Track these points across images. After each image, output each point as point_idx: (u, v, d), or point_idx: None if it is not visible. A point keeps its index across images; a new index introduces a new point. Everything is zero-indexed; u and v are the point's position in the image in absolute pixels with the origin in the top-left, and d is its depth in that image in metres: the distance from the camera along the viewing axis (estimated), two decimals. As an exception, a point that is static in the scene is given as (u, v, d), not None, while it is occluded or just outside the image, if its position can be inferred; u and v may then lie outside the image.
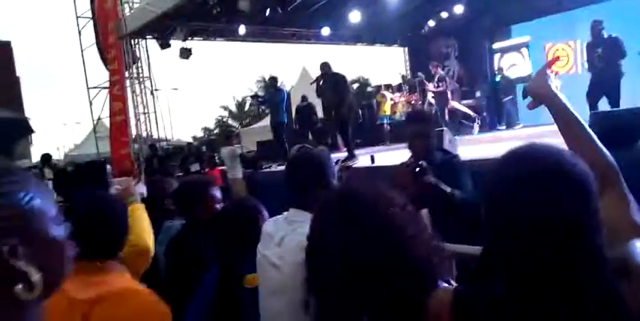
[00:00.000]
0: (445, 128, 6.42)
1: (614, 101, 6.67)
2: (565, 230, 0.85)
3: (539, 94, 1.25)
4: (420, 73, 11.44)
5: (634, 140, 4.92)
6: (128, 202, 1.88)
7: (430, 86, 10.75)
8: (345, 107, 7.12)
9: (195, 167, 9.16)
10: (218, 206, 2.32)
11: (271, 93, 9.90)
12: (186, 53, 10.62)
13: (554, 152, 0.91)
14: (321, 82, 7.52)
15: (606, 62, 6.83)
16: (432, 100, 10.79)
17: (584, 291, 0.85)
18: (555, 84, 1.25)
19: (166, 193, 2.80)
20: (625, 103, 6.55)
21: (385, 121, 11.54)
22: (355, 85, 11.55)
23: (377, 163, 6.77)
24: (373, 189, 1.07)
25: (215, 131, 26.28)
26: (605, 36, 6.96)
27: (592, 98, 6.87)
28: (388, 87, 12.88)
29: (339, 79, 7.24)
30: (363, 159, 7.28)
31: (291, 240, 1.48)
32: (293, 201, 1.62)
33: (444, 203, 2.43)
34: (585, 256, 0.86)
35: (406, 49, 15.16)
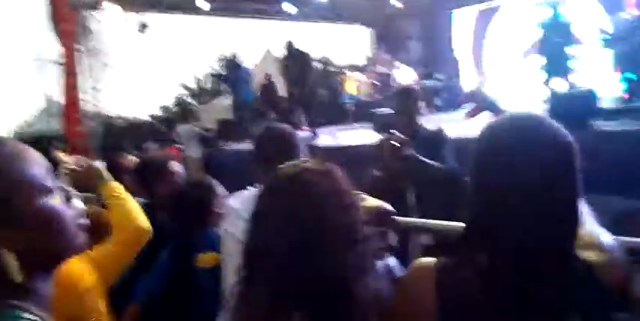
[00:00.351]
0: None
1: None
2: (555, 197, 0.86)
3: None
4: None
5: (586, 120, 5.10)
6: (101, 185, 1.64)
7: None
8: (309, 85, 7.05)
9: (153, 146, 8.94)
10: (179, 184, 2.24)
11: (233, 71, 9.69)
12: (143, 27, 10.22)
13: (537, 121, 0.92)
14: (285, 61, 7.41)
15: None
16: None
17: (569, 263, 0.86)
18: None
19: (124, 170, 2.70)
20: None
21: (349, 100, 11.50)
22: (318, 65, 11.44)
23: (341, 143, 6.77)
24: (327, 170, 1.03)
25: (174, 110, 25.64)
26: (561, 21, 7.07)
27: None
28: (353, 67, 12.81)
29: (303, 57, 7.14)
30: (326, 138, 7.25)
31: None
32: (260, 177, 1.58)
33: (426, 176, 2.55)
34: (571, 225, 0.87)
35: (371, 29, 15.07)
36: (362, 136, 7.00)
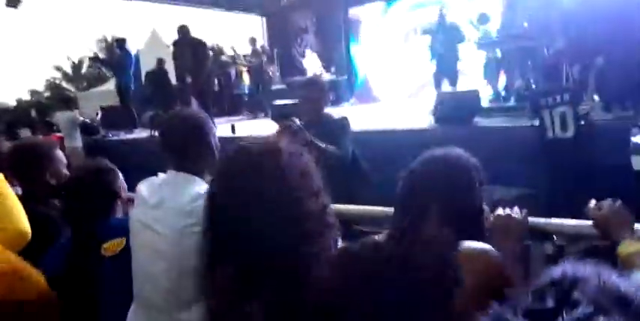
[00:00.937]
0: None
1: (454, 82, 7.43)
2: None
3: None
4: None
5: (471, 117, 5.58)
6: None
7: None
8: (204, 74, 6.84)
9: (25, 133, 8.13)
10: (65, 171, 2.11)
11: (119, 55, 9.08)
12: (14, 1, 9.13)
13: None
14: (178, 47, 7.08)
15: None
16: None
17: None
18: None
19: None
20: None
21: (244, 91, 11.38)
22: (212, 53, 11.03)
23: (238, 133, 6.67)
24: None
25: (45, 94, 23.25)
26: (448, 22, 7.59)
27: (437, 79, 7.62)
28: (245, 56, 12.63)
29: (199, 44, 6.89)
30: (223, 128, 7.10)
31: (172, 204, 1.44)
32: (171, 163, 1.56)
33: (322, 160, 2.62)
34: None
35: (264, 19, 14.94)
36: (259, 126, 6.98)
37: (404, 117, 7.00)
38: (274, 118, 6.27)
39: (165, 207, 1.45)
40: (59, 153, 2.14)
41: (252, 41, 10.58)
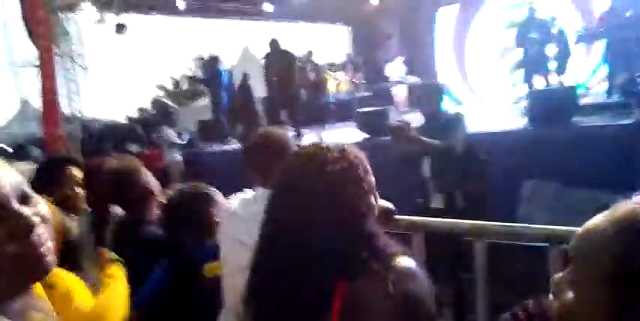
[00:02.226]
0: (392, 106, 6.53)
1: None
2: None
3: None
4: None
5: (568, 117, 5.21)
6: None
7: None
8: (293, 85, 7.05)
9: (134, 148, 8.82)
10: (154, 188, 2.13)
11: (210, 72, 9.61)
12: (121, 29, 10.06)
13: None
14: (268, 60, 7.38)
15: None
16: None
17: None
18: None
19: (103, 176, 2.57)
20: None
21: (330, 99, 11.52)
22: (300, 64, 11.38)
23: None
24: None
25: (151, 111, 25.20)
26: (538, 19, 7.22)
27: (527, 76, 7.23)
28: (332, 65, 12.84)
29: (288, 56, 7.13)
30: (311, 138, 7.26)
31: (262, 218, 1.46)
32: (257, 181, 1.61)
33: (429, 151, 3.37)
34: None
35: (350, 27, 15.11)
36: (345, 134, 7.03)
37: (495, 118, 6.72)
38: (360, 128, 6.32)
39: (257, 221, 1.51)
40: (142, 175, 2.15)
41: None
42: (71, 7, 9.94)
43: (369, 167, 1.08)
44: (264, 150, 1.64)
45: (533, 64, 7.05)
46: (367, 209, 1.03)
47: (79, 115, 10.38)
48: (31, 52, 10.24)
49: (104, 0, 9.52)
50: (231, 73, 11.21)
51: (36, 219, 0.66)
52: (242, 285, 1.47)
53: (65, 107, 9.92)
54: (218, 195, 1.95)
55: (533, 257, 1.97)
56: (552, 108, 5.03)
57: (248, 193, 1.65)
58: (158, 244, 1.91)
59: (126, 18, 10.17)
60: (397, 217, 1.91)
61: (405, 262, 0.98)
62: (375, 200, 1.08)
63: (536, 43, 6.90)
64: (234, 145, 8.73)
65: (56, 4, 9.67)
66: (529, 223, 1.88)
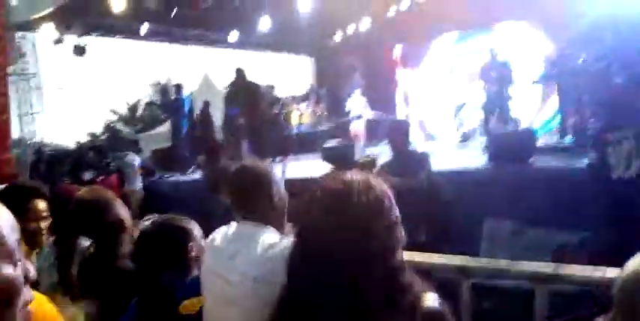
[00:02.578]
0: (359, 142, 6.59)
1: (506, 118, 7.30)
2: None
3: None
4: None
5: (527, 157, 5.43)
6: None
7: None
8: (258, 116, 7.04)
9: (88, 175, 8.50)
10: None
11: (173, 99, 9.51)
12: (80, 51, 9.80)
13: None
14: (232, 89, 7.36)
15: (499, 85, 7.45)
16: None
17: None
18: None
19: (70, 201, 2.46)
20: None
21: (293, 132, 11.55)
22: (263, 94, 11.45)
23: (288, 176, 6.73)
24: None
25: (102, 137, 24.36)
26: (500, 60, 7.58)
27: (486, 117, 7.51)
28: (294, 97, 12.95)
29: (253, 87, 7.14)
30: (276, 170, 7.20)
31: (246, 255, 1.47)
32: (239, 214, 1.61)
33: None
34: None
35: (313, 59, 15.35)
36: (311, 167, 7.01)
37: (453, 156, 6.89)
38: (325, 159, 6.35)
39: (240, 257, 1.48)
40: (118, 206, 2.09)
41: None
42: (30, 26, 9.66)
43: (393, 198, 1.05)
44: (246, 184, 1.63)
45: (491, 105, 7.34)
46: (396, 242, 1.01)
47: (29, 138, 9.96)
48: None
49: (65, 21, 9.28)
50: (192, 101, 11.12)
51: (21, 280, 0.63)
52: (225, 317, 1.46)
53: (16, 129, 9.50)
54: (195, 227, 1.86)
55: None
56: (511, 148, 5.23)
57: (231, 227, 1.62)
58: (131, 279, 1.82)
59: (86, 40, 9.94)
60: None
61: (432, 301, 0.97)
62: (401, 233, 1.06)
63: (496, 84, 7.22)
64: (194, 174, 8.57)
65: (14, 22, 9.38)
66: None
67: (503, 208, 4.82)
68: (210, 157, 5.80)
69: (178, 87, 9.39)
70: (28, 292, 0.64)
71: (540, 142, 6.21)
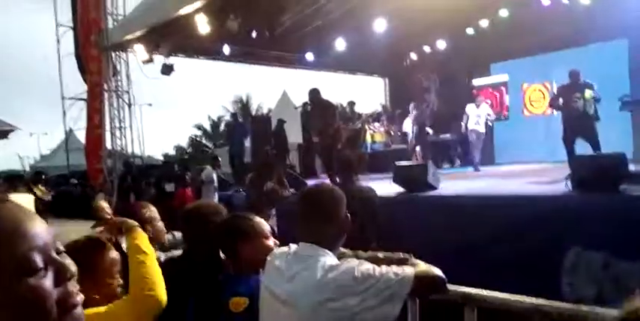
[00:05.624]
0: (430, 162, 6.46)
1: (595, 144, 6.83)
2: None
3: None
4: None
5: (616, 185, 5.03)
6: (128, 231, 1.69)
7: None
8: (331, 134, 7.09)
9: (170, 187, 8.93)
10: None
11: (232, 126, 9.82)
12: (167, 69, 10.45)
13: None
14: (308, 108, 7.49)
15: (584, 106, 7.02)
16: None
17: None
18: None
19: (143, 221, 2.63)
20: (605, 149, 6.73)
21: (365, 150, 11.56)
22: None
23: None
24: None
25: (188, 150, 25.75)
26: (581, 82, 7.15)
27: (569, 141, 7.04)
28: (367, 116, 12.97)
29: (328, 105, 7.23)
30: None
31: (306, 278, 1.46)
32: (302, 234, 1.60)
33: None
34: None
35: (386, 79, 15.37)
36: (380, 188, 6.92)
37: (535, 182, 6.54)
38: (397, 181, 6.23)
39: (299, 281, 1.48)
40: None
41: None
42: (122, 47, 10.43)
43: None
44: (312, 203, 1.64)
45: (578, 128, 6.90)
46: None
47: (120, 151, 10.66)
48: (81, 87, 10.73)
49: (154, 42, 9.94)
50: (270, 118, 11.46)
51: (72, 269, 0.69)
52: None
53: (108, 142, 10.22)
54: (259, 226, 1.93)
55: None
56: (600, 175, 4.86)
57: (291, 248, 1.64)
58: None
59: (173, 60, 10.58)
60: (449, 286, 1.82)
61: None
62: None
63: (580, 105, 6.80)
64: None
65: (108, 43, 10.17)
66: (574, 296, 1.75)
67: (589, 239, 4.49)
68: (259, 176, 5.86)
69: (236, 115, 9.77)
70: (64, 289, 0.68)
71: (633, 169, 5.76)
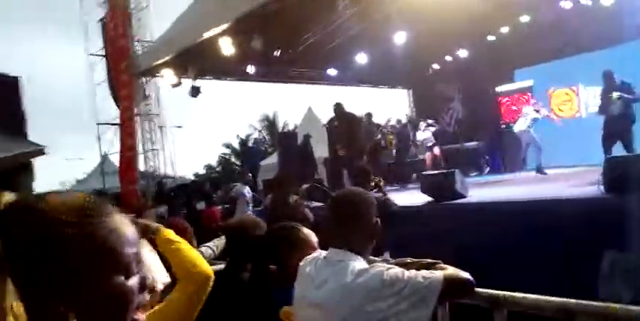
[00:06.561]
0: (457, 170, 6.45)
1: (629, 145, 6.72)
2: None
3: None
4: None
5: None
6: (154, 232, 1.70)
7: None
8: (357, 147, 7.18)
9: (200, 205, 9.10)
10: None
11: (249, 150, 9.89)
12: (195, 91, 10.74)
13: None
14: (335, 123, 7.61)
15: (622, 107, 6.94)
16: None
17: None
18: None
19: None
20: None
21: (390, 161, 11.57)
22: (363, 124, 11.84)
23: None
24: None
25: (217, 169, 26.21)
26: (618, 82, 7.08)
27: (608, 143, 6.95)
28: (393, 127, 13.00)
29: (352, 119, 7.34)
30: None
31: (334, 282, 1.49)
32: (332, 239, 1.62)
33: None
34: None
35: (410, 91, 15.40)
36: (407, 198, 6.94)
37: (567, 185, 6.45)
38: (424, 191, 6.22)
39: (328, 286, 1.50)
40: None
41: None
42: (152, 72, 10.80)
43: None
44: (338, 213, 1.66)
45: (614, 129, 6.79)
46: None
47: (152, 172, 10.96)
48: (114, 112, 11.12)
49: (181, 66, 10.26)
50: (296, 134, 11.60)
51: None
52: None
53: (141, 164, 10.54)
54: (308, 236, 1.97)
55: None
56: (633, 175, 4.78)
57: (322, 254, 1.66)
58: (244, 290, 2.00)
59: (200, 82, 10.88)
60: (477, 290, 1.83)
61: None
62: None
63: (619, 106, 6.70)
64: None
65: (139, 70, 10.55)
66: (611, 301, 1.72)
67: (625, 241, 4.41)
68: (277, 190, 5.85)
69: (247, 140, 9.93)
70: (142, 297, 0.73)
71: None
